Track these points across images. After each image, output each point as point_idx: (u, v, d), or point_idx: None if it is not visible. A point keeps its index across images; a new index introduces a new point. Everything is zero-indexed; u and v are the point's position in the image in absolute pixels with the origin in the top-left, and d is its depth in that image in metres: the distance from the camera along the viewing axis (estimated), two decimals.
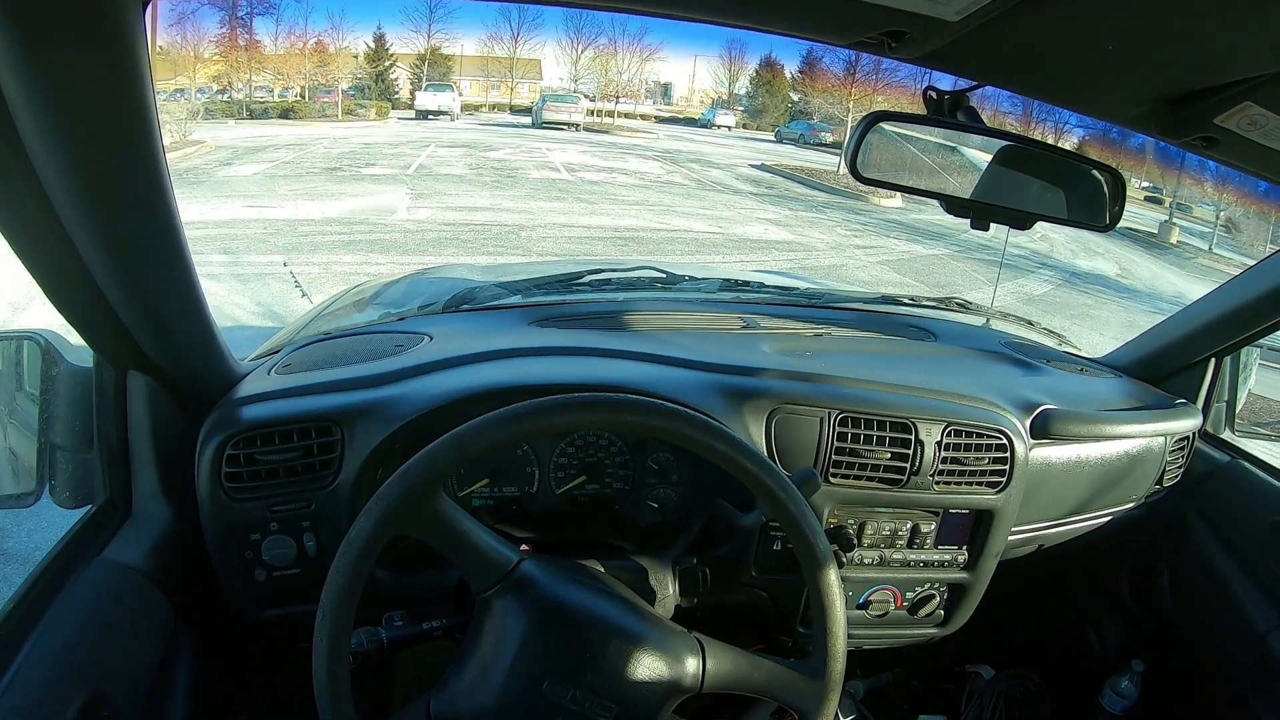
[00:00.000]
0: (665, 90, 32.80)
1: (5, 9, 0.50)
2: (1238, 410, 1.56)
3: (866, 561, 1.16)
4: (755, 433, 1.06)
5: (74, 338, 0.90)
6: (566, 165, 13.73)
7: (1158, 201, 19.36)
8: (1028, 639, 1.70)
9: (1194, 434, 1.42)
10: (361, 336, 1.23)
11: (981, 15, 0.57)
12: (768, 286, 1.61)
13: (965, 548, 1.19)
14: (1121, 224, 0.99)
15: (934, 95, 0.80)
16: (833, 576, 0.78)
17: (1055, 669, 1.64)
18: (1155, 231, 15.09)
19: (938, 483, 1.12)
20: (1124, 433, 1.28)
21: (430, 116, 21.59)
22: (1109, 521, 1.38)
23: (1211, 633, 1.39)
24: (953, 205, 0.92)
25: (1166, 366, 1.50)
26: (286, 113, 20.95)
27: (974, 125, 0.80)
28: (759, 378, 1.11)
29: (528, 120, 22.41)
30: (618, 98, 26.47)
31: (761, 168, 16.31)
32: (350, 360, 1.12)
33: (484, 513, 1.12)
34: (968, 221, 0.95)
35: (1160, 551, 1.51)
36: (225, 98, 21.58)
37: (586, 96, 25.09)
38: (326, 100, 22.42)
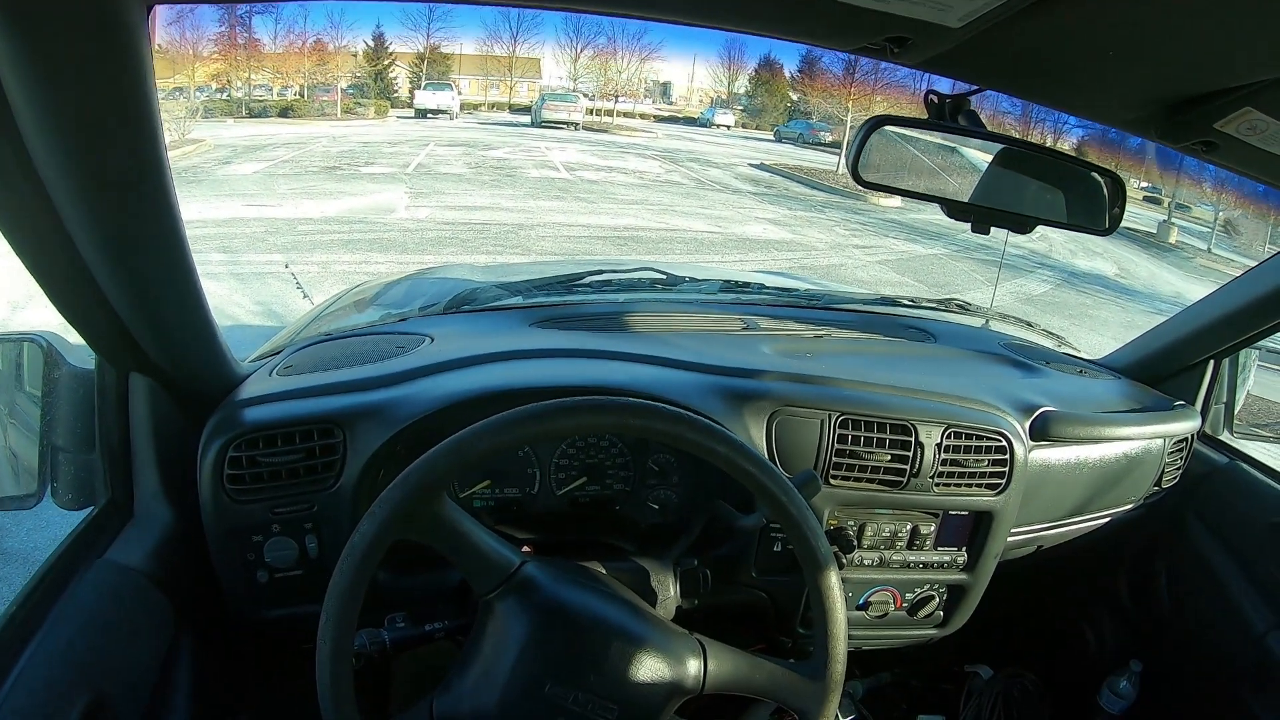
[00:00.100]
0: (664, 89, 32.80)
1: (8, 10, 0.50)
2: (1236, 412, 1.56)
3: (866, 563, 1.16)
4: (756, 435, 1.06)
5: (75, 339, 0.90)
6: (566, 164, 13.73)
7: (1156, 201, 19.37)
8: (1026, 639, 1.71)
9: (1192, 435, 1.42)
10: (363, 338, 1.24)
11: (984, 21, 0.57)
12: (767, 288, 1.61)
13: (965, 549, 1.19)
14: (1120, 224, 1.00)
15: (935, 99, 0.80)
16: (833, 578, 0.79)
17: (1054, 669, 1.64)
18: (1154, 231, 15.10)
19: (937, 484, 1.12)
20: (1123, 434, 1.28)
21: (429, 115, 21.57)
22: (1108, 523, 1.38)
23: (1209, 633, 1.40)
24: (953, 209, 0.92)
25: (1165, 368, 1.50)
26: (285, 111, 20.95)
27: (975, 129, 0.81)
28: (759, 380, 1.11)
29: (527, 119, 22.40)
30: (617, 97, 26.45)
31: (760, 167, 16.31)
32: (352, 362, 1.12)
33: (485, 514, 1.12)
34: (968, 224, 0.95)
35: (1159, 552, 1.52)
36: (224, 96, 21.57)
37: (586, 95, 25.09)
38: (325, 99, 22.40)
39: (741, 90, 30.93)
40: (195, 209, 7.73)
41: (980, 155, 0.95)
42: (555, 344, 1.18)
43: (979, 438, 1.13)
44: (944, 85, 0.80)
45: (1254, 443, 1.57)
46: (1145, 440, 1.33)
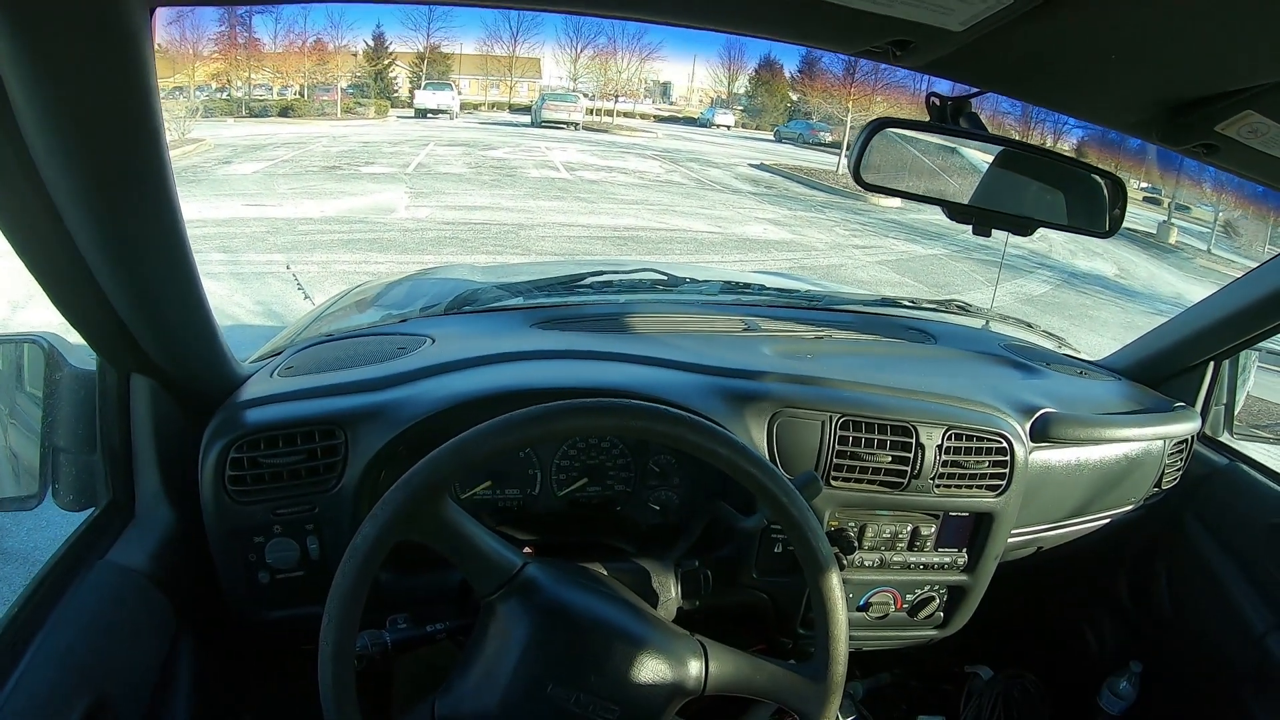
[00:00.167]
0: (664, 89, 32.83)
1: (11, 11, 0.50)
2: (1236, 413, 1.57)
3: (867, 564, 1.17)
4: (757, 436, 1.06)
5: (76, 339, 0.90)
6: (566, 164, 13.73)
7: (1156, 202, 19.37)
8: (1027, 640, 1.71)
9: (1193, 437, 1.42)
10: (364, 338, 1.24)
11: (986, 25, 0.58)
12: (768, 289, 1.61)
13: (965, 550, 1.19)
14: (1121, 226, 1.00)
15: (936, 101, 0.80)
16: (835, 580, 0.79)
17: (1054, 670, 1.64)
18: (1154, 232, 15.10)
19: (938, 486, 1.13)
20: (1123, 436, 1.28)
21: (429, 115, 21.58)
22: (1108, 524, 1.39)
23: (1209, 634, 1.40)
24: (955, 212, 0.92)
25: (1165, 369, 1.50)
26: (286, 111, 20.96)
27: (976, 132, 0.81)
28: (761, 381, 1.11)
29: (527, 119, 22.41)
30: (617, 97, 26.47)
31: (760, 167, 16.32)
32: (353, 363, 1.12)
33: (486, 515, 1.12)
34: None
35: (1159, 553, 1.52)
36: (224, 96, 21.59)
37: (586, 95, 25.10)
38: (325, 99, 22.42)
39: (741, 90, 30.98)
40: (195, 208, 7.73)
41: (981, 157, 0.95)
42: (556, 345, 1.18)
43: (979, 439, 1.13)
44: (944, 87, 0.80)
45: (1254, 444, 1.57)
46: (1145, 441, 1.33)
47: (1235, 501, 1.42)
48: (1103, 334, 6.74)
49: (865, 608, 1.19)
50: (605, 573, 0.87)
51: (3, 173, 0.62)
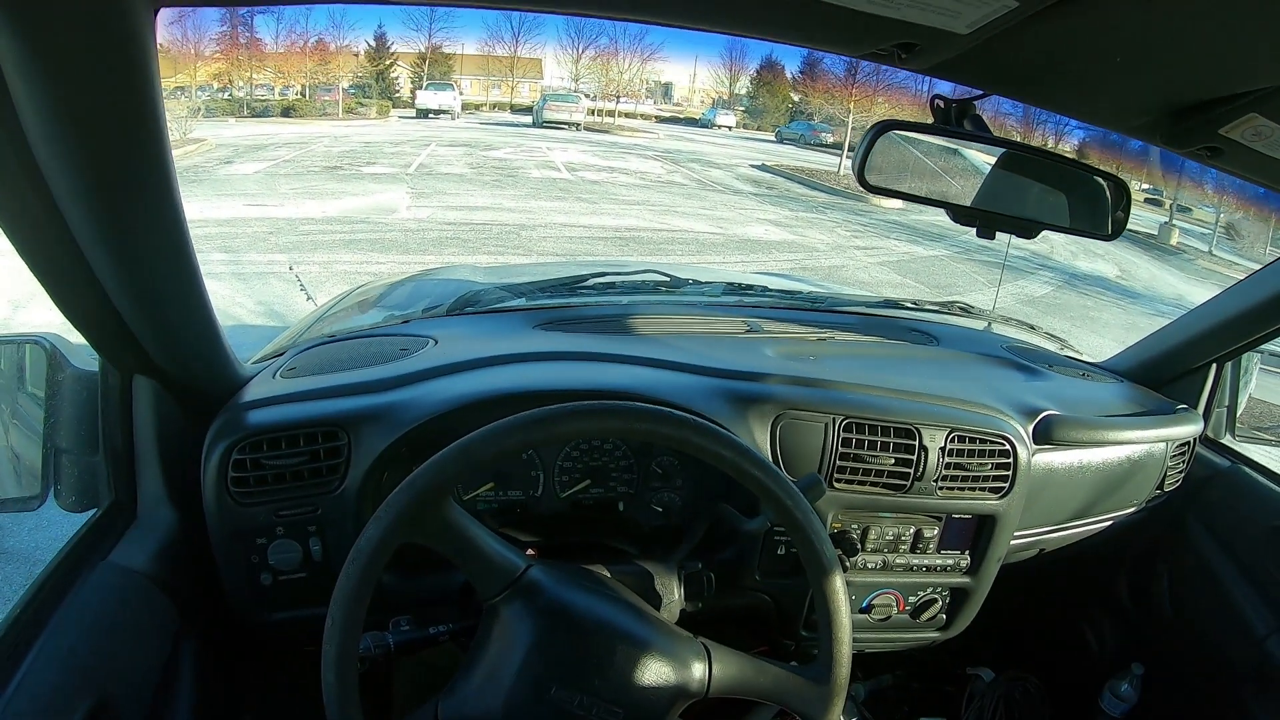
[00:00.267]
0: (666, 90, 32.85)
1: (14, 10, 0.50)
2: (1238, 415, 1.57)
3: (870, 566, 1.17)
4: (760, 438, 1.06)
5: (78, 340, 0.90)
6: (567, 165, 13.74)
7: (1158, 204, 19.36)
8: (1028, 642, 1.71)
9: (1195, 439, 1.42)
10: (366, 339, 1.23)
11: (992, 28, 0.58)
12: (770, 290, 1.61)
13: (968, 552, 1.19)
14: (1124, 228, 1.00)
15: (941, 104, 0.80)
16: (838, 582, 0.79)
17: (1055, 672, 1.64)
18: (1155, 233, 15.09)
19: (941, 488, 1.12)
20: (1126, 438, 1.28)
21: (431, 115, 21.60)
22: (1110, 526, 1.38)
23: (1211, 636, 1.40)
24: (959, 214, 0.92)
25: (1168, 371, 1.50)
26: (287, 111, 20.97)
27: (981, 134, 0.81)
28: (764, 383, 1.11)
29: (528, 119, 22.42)
30: (618, 97, 26.50)
31: (762, 168, 16.32)
32: (355, 364, 1.12)
33: (489, 517, 1.12)
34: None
35: (1160, 555, 1.51)
36: (226, 96, 21.61)
37: (587, 96, 25.11)
38: (327, 99, 22.43)
39: (743, 91, 31.00)
40: (197, 208, 7.73)
41: (983, 159, 0.95)
42: (559, 346, 1.18)
43: (982, 441, 1.13)
44: (946, 89, 0.80)
45: (1256, 446, 1.57)
46: (1148, 444, 1.33)
47: (1237, 504, 1.42)
48: (1104, 335, 6.74)
49: (868, 610, 1.19)
50: (608, 575, 0.87)
51: (5, 172, 0.62)
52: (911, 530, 1.16)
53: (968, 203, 0.95)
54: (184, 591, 0.95)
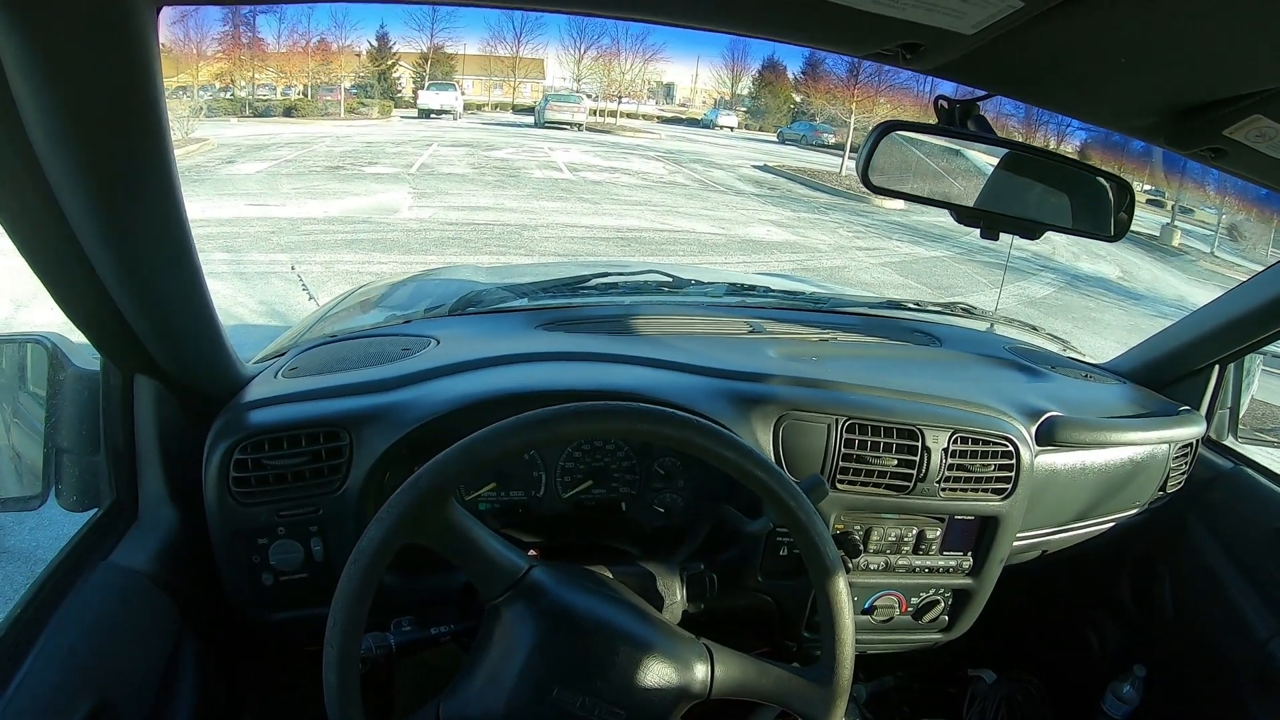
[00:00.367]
0: (668, 90, 32.88)
1: (16, 10, 0.49)
2: (1240, 417, 1.56)
3: (872, 567, 1.16)
4: (763, 439, 1.06)
5: (79, 339, 0.90)
6: (569, 165, 13.74)
7: (1160, 204, 19.32)
8: (1030, 643, 1.70)
9: (1197, 440, 1.42)
10: (368, 339, 1.23)
11: (997, 28, 0.57)
12: (773, 291, 1.61)
13: (970, 554, 1.19)
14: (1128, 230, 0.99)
15: (944, 105, 0.80)
16: (841, 584, 0.78)
17: (1057, 673, 1.64)
18: (1157, 234, 15.08)
19: (944, 489, 1.12)
20: (1128, 440, 1.28)
21: (433, 115, 21.63)
22: (1112, 527, 1.38)
23: (1213, 638, 1.39)
24: (963, 215, 0.92)
25: (1170, 373, 1.50)
26: (289, 111, 21.01)
27: (984, 135, 0.80)
28: (767, 384, 1.11)
29: (530, 120, 22.45)
30: (620, 98, 26.53)
31: (764, 169, 16.33)
32: (357, 364, 1.11)
33: (491, 517, 1.12)
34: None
35: (1162, 557, 1.51)
36: (228, 95, 21.64)
37: (589, 96, 25.14)
38: (329, 99, 22.47)
39: (745, 91, 31.03)
40: (199, 208, 7.73)
41: (986, 160, 0.95)
42: (561, 347, 1.18)
43: (985, 442, 1.13)
44: (948, 90, 0.80)
45: (1258, 448, 1.57)
46: (1150, 445, 1.32)
47: (1239, 505, 1.42)
48: (1106, 336, 6.73)
49: (870, 611, 1.19)
50: (610, 576, 0.87)
51: (7, 171, 0.61)
52: (914, 531, 1.16)
53: (971, 203, 0.94)
54: (185, 591, 0.94)
